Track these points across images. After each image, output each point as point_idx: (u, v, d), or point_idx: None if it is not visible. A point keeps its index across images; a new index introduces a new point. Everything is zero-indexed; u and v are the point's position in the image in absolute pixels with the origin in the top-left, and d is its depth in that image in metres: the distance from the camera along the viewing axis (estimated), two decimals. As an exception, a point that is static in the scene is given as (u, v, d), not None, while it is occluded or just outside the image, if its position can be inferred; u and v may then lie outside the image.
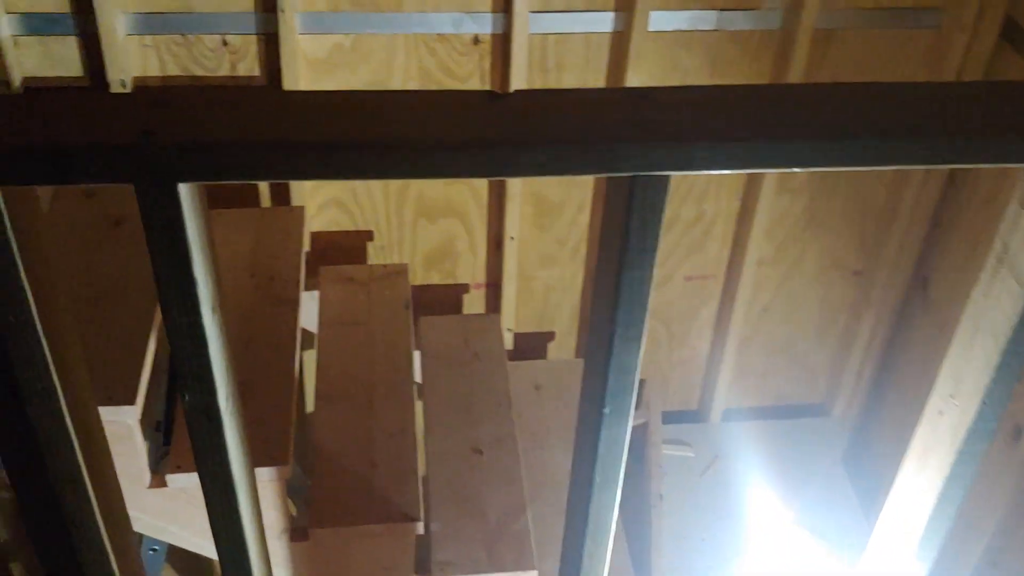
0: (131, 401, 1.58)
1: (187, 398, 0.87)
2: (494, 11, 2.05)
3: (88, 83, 2.01)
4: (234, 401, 0.91)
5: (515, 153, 0.75)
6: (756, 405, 2.78)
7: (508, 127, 0.76)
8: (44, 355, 0.81)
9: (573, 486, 1.05)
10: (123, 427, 1.59)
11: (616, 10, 2.07)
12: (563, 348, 2.60)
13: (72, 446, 0.86)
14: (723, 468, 2.66)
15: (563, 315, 2.54)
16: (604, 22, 2.09)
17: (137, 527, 1.74)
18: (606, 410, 0.94)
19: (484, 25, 2.07)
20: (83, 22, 1.95)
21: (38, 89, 2.01)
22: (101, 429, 0.94)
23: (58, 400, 0.83)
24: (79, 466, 0.88)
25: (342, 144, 0.71)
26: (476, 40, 2.09)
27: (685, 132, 0.77)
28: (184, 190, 0.74)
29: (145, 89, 0.74)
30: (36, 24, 1.96)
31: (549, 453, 2.26)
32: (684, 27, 2.11)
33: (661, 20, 2.08)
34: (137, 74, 2.02)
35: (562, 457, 2.26)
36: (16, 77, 1.96)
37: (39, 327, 0.79)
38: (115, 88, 1.99)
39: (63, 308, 0.85)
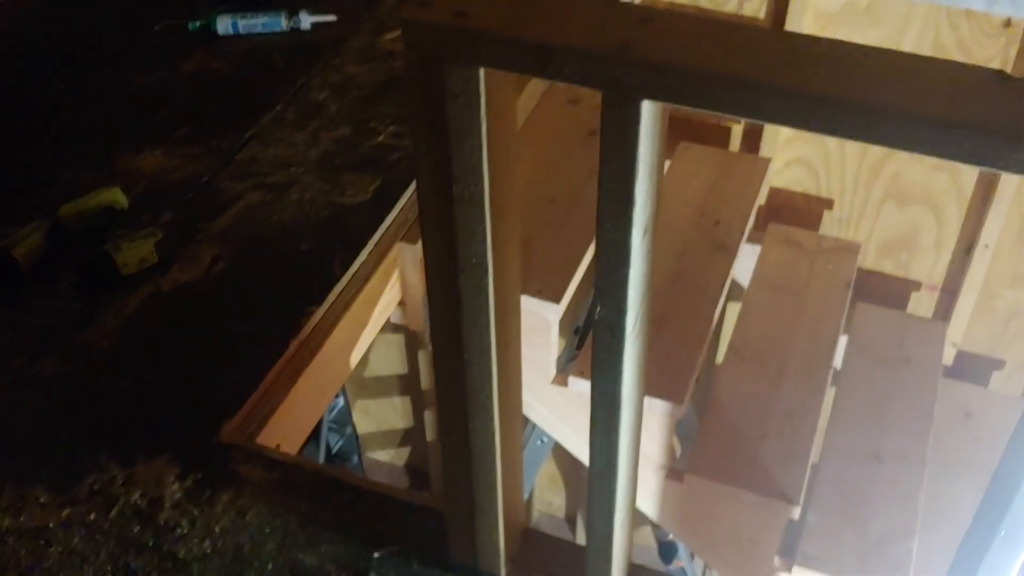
0: (556, 300, 1.67)
1: (599, 310, 0.89)
2: (1041, -7, 1.82)
3: None
4: (642, 325, 0.91)
5: (1008, 146, 0.65)
6: None
7: (1010, 114, 0.66)
8: (485, 232, 0.86)
9: (972, 530, 0.93)
10: (543, 321, 1.69)
11: None
12: (1011, 382, 2.33)
13: (488, 320, 0.92)
14: None
15: (1022, 346, 2.26)
16: None
17: (533, 416, 1.86)
18: (1035, 460, 0.82)
19: (1021, 9, 1.84)
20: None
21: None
22: (518, 312, 1.00)
23: (487, 276, 0.89)
24: (490, 339, 0.93)
25: (809, 94, 0.67)
26: (1008, 23, 1.87)
27: None
28: (646, 107, 0.74)
29: (638, 6, 0.75)
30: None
31: (957, 487, 2.05)
32: None
33: None
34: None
35: (971, 496, 2.04)
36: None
37: (487, 206, 0.84)
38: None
39: (515, 196, 0.90)
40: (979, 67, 0.70)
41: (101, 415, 1.39)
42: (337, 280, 1.55)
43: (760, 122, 0.69)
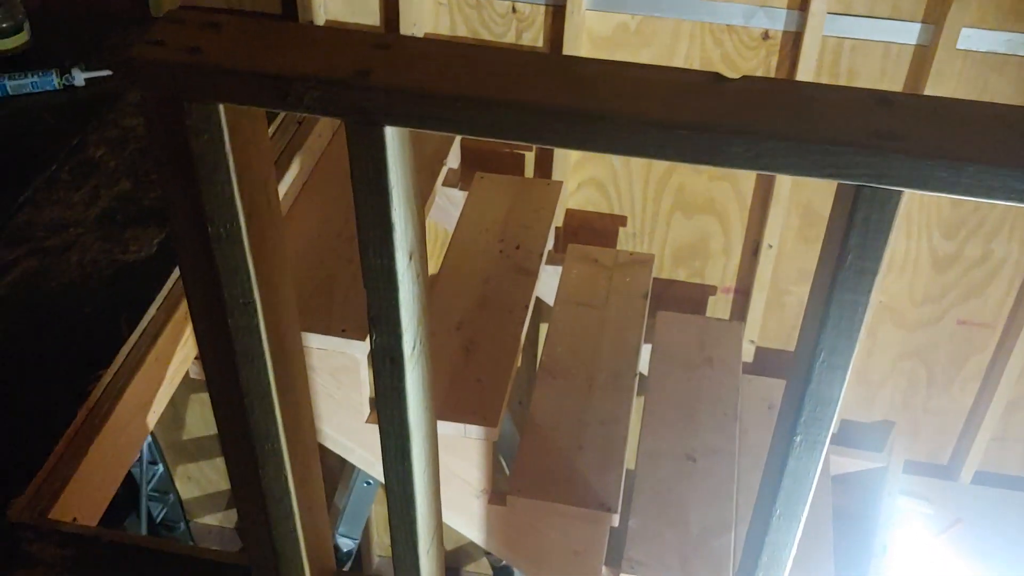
0: (362, 337, 1.65)
1: (374, 338, 0.89)
2: (789, 7, 1.95)
3: (383, 30, 2.12)
4: (421, 349, 0.91)
5: (726, 142, 0.69)
6: (1017, 474, 2.51)
7: (725, 113, 0.70)
8: (248, 270, 0.84)
9: (755, 515, 0.98)
10: (351, 360, 1.67)
11: (924, 21, 1.91)
12: (808, 371, 2.46)
13: (264, 362, 0.90)
14: (965, 533, 2.43)
15: (813, 336, 2.40)
16: (908, 33, 1.93)
17: (351, 458, 1.83)
18: (797, 439, 0.87)
19: (777, 21, 1.98)
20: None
21: (286, 20, 2.11)
22: (299, 351, 0.98)
23: (256, 316, 0.87)
24: (269, 381, 0.92)
25: (540, 108, 0.69)
26: (766, 35, 2.00)
27: (926, 145, 0.68)
28: (390, 133, 0.75)
29: (374, 32, 0.76)
30: (346, -27, 2.08)
31: (767, 475, 2.15)
32: (1000, 49, 1.91)
33: (973, 38, 1.89)
34: (429, 30, 2.10)
35: (781, 483, 2.14)
36: (320, 18, 2.09)
37: (246, 243, 0.83)
38: (405, 42, 2.07)
39: (278, 229, 0.89)
40: (698, 71, 0.75)
41: None
42: (124, 341, 1.49)
43: (502, 140, 0.70)
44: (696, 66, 2.06)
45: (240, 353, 0.89)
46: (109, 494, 1.48)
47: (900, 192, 0.71)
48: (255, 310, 0.87)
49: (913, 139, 0.69)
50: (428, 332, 0.93)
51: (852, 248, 0.75)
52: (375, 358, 0.91)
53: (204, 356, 0.91)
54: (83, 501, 1.38)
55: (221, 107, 0.76)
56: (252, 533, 1.06)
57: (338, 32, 0.78)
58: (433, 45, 0.78)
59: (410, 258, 0.85)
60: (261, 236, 0.85)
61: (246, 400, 0.93)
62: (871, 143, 0.69)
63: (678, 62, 2.07)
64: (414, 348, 0.91)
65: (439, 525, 1.09)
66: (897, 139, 0.69)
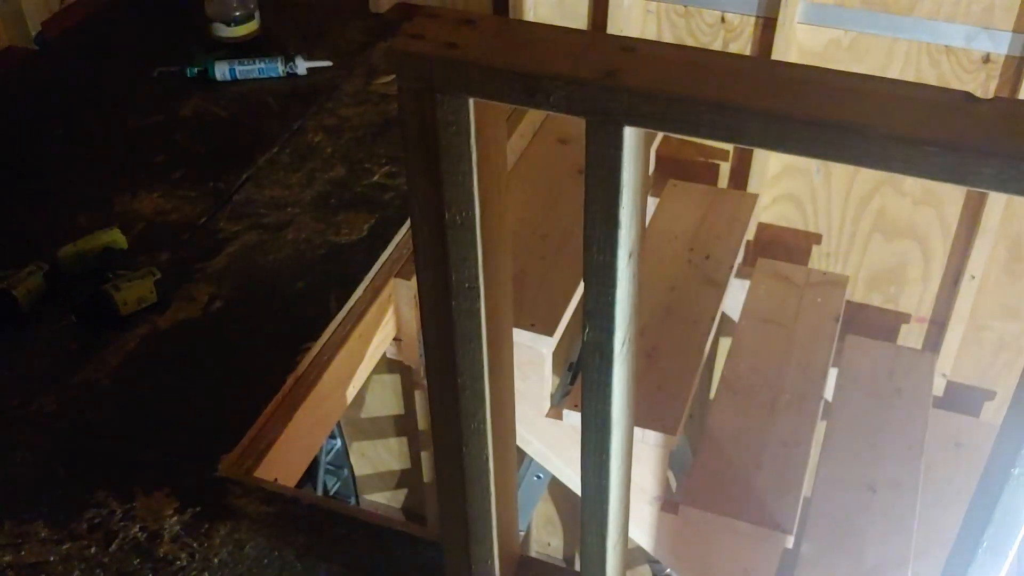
0: (550, 333, 1.69)
1: (587, 332, 0.91)
2: (1015, 30, 1.87)
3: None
4: (630, 347, 0.93)
5: (977, 162, 0.68)
6: None
7: (977, 132, 0.69)
8: (477, 258, 0.88)
9: (956, 546, 0.95)
10: (537, 354, 1.71)
11: None
12: (1002, 412, 2.34)
13: (481, 345, 0.94)
14: None
15: (1012, 376, 2.28)
16: None
17: (529, 450, 1.87)
18: (1015, 471, 0.84)
19: (1000, 44, 1.90)
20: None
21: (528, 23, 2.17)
22: (510, 339, 1.02)
23: (479, 301, 0.91)
24: (483, 363, 0.96)
25: (786, 116, 0.70)
26: (987, 59, 1.92)
27: None
28: (629, 133, 0.77)
29: (621, 37, 0.78)
30: (559, -22, 2.12)
31: (949, 515, 2.06)
32: None
33: None
34: (635, 36, 2.11)
35: (966, 524, 2.05)
36: (530, 19, 2.15)
37: (478, 232, 0.87)
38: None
39: (505, 223, 0.93)
40: (949, 89, 0.74)
41: (99, 452, 1.40)
42: (332, 317, 1.57)
43: (740, 145, 0.72)
44: (909, 86, 2.00)
45: (460, 335, 0.94)
46: (307, 460, 1.57)
47: None
48: (478, 295, 0.91)
49: None
50: (637, 331, 0.95)
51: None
52: (585, 351, 0.93)
53: (426, 334, 0.96)
54: (285, 464, 1.47)
55: (471, 101, 0.80)
56: (448, 509, 1.11)
57: (585, 34, 0.81)
58: (674, 49, 0.80)
59: (630, 256, 0.87)
60: (490, 226, 0.89)
61: (460, 379, 0.97)
62: None
63: (890, 81, 2.01)
64: (623, 345, 0.93)
65: (626, 522, 1.11)
66: None
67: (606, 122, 0.77)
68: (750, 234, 2.25)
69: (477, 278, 0.90)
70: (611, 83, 0.75)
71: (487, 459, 1.04)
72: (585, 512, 1.05)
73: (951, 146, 0.69)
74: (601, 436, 0.97)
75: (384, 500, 3.24)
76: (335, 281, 1.63)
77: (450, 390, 0.99)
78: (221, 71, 2.10)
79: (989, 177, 0.68)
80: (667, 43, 0.82)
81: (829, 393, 2.14)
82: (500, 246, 0.92)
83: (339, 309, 1.58)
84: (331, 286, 1.62)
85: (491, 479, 1.05)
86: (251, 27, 2.21)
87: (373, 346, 1.65)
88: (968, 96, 0.72)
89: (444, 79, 0.79)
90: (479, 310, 0.92)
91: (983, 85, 1.95)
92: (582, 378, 0.95)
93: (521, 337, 1.71)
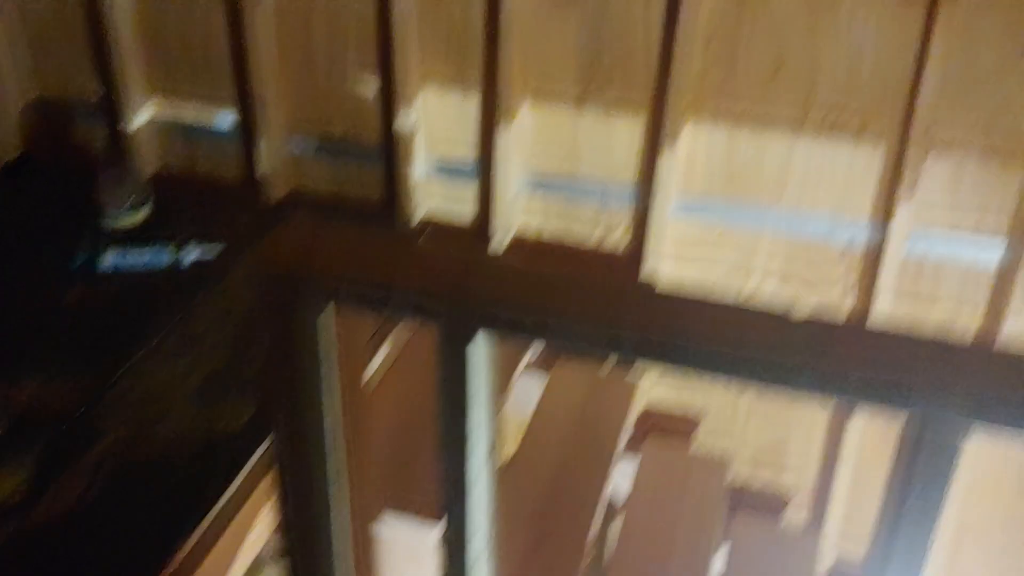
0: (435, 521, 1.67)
1: (445, 529, 0.92)
2: (873, 219, 2.00)
3: (474, 229, 2.23)
4: (488, 546, 0.94)
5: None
6: None
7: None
8: (339, 449, 0.89)
9: None
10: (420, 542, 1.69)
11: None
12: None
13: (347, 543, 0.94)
14: None
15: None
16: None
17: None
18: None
19: (859, 234, 2.03)
20: (484, 172, 2.17)
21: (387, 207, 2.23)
22: (374, 539, 1.01)
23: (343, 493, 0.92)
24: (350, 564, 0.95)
25: (620, 331, 0.74)
26: (846, 250, 2.05)
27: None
28: (478, 341, 0.80)
29: (462, 254, 0.83)
30: (445, 169, 2.22)
31: None
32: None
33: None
34: (518, 228, 2.21)
35: None
36: (416, 216, 2.22)
37: (339, 425, 0.88)
38: (495, 238, 2.19)
39: (364, 418, 0.94)
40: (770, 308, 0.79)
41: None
42: (208, 510, 1.53)
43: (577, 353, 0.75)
44: (774, 276, 2.11)
45: (321, 529, 0.93)
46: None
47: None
48: (343, 487, 0.92)
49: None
50: (499, 532, 0.96)
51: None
52: (443, 546, 0.94)
53: (287, 528, 0.95)
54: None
55: (330, 304, 0.83)
56: None
57: (434, 250, 0.85)
58: (518, 269, 0.85)
59: (487, 455, 0.89)
60: (352, 421, 0.90)
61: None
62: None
63: (756, 271, 2.12)
64: (483, 545, 0.93)
65: None
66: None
67: (456, 330, 0.81)
68: (638, 411, 2.29)
69: (342, 471, 0.91)
70: (459, 295, 0.79)
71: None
72: None
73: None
74: (465, 638, 0.96)
75: None
76: (213, 472, 1.60)
77: (311, 593, 0.97)
78: (108, 261, 2.10)
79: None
80: (508, 263, 0.87)
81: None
82: (360, 437, 0.94)
83: (215, 502, 1.55)
84: (209, 477, 1.59)
85: None
86: (142, 216, 2.23)
87: (249, 541, 1.61)
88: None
89: (301, 285, 0.82)
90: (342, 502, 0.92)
91: (843, 276, 2.07)
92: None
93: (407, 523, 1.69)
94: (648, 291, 0.79)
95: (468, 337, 0.80)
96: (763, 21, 1.92)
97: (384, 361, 2.01)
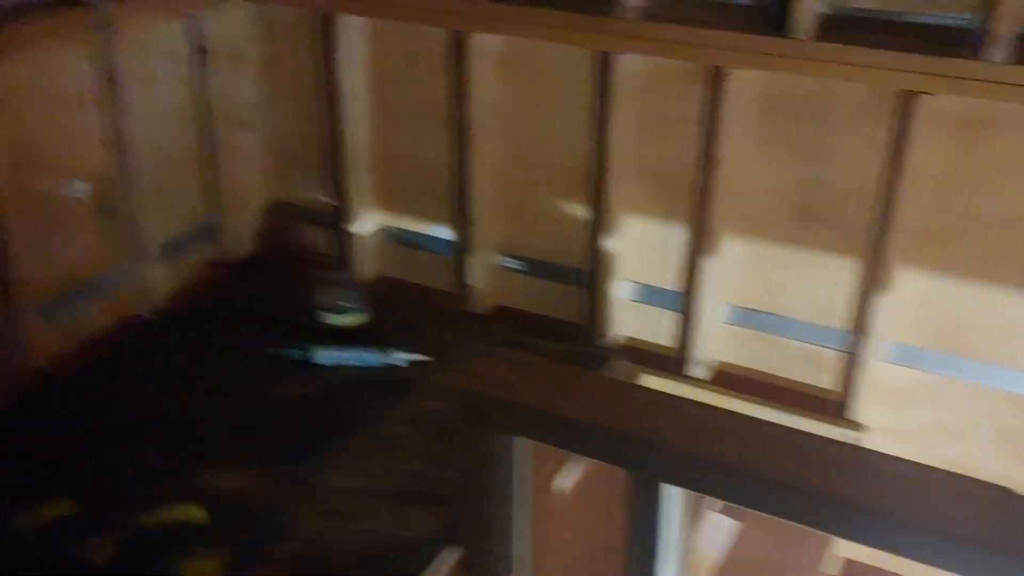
0: None
1: None
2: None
3: (674, 356, 2.21)
4: None
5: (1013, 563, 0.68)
6: None
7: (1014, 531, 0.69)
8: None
9: None
10: None
11: None
12: None
13: None
14: None
15: None
16: None
17: None
18: None
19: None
20: (686, 301, 2.16)
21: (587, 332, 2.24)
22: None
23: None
24: None
25: (826, 498, 0.71)
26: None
27: None
28: (667, 490, 0.79)
29: (666, 394, 0.81)
30: (648, 294, 2.22)
31: None
32: None
33: None
34: (721, 359, 2.17)
35: None
36: (615, 338, 2.23)
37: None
38: (696, 368, 2.16)
39: (553, 554, 0.94)
40: (989, 484, 0.74)
41: None
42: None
43: (766, 513, 0.73)
44: (992, 436, 1.97)
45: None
46: None
47: None
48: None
49: None
50: None
51: None
52: None
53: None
54: None
55: (520, 439, 0.84)
56: None
57: (629, 388, 0.85)
58: (715, 412, 0.83)
59: None
60: (541, 543, 0.90)
61: None
62: None
63: (982, 428, 1.98)
64: None
65: None
66: None
67: (645, 476, 0.80)
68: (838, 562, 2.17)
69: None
70: (649, 440, 0.78)
71: None
72: None
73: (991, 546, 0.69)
74: None
75: None
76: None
77: None
78: (320, 357, 2.21)
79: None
80: (705, 404, 0.85)
81: None
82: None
83: (395, 609, 1.57)
84: (391, 582, 1.61)
85: None
86: (358, 318, 2.34)
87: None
88: (1005, 492, 0.73)
89: (497, 418, 0.84)
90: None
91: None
92: None
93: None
94: (858, 458, 0.76)
95: (656, 486, 0.79)
96: (991, 173, 1.83)
97: (574, 475, 2.00)
